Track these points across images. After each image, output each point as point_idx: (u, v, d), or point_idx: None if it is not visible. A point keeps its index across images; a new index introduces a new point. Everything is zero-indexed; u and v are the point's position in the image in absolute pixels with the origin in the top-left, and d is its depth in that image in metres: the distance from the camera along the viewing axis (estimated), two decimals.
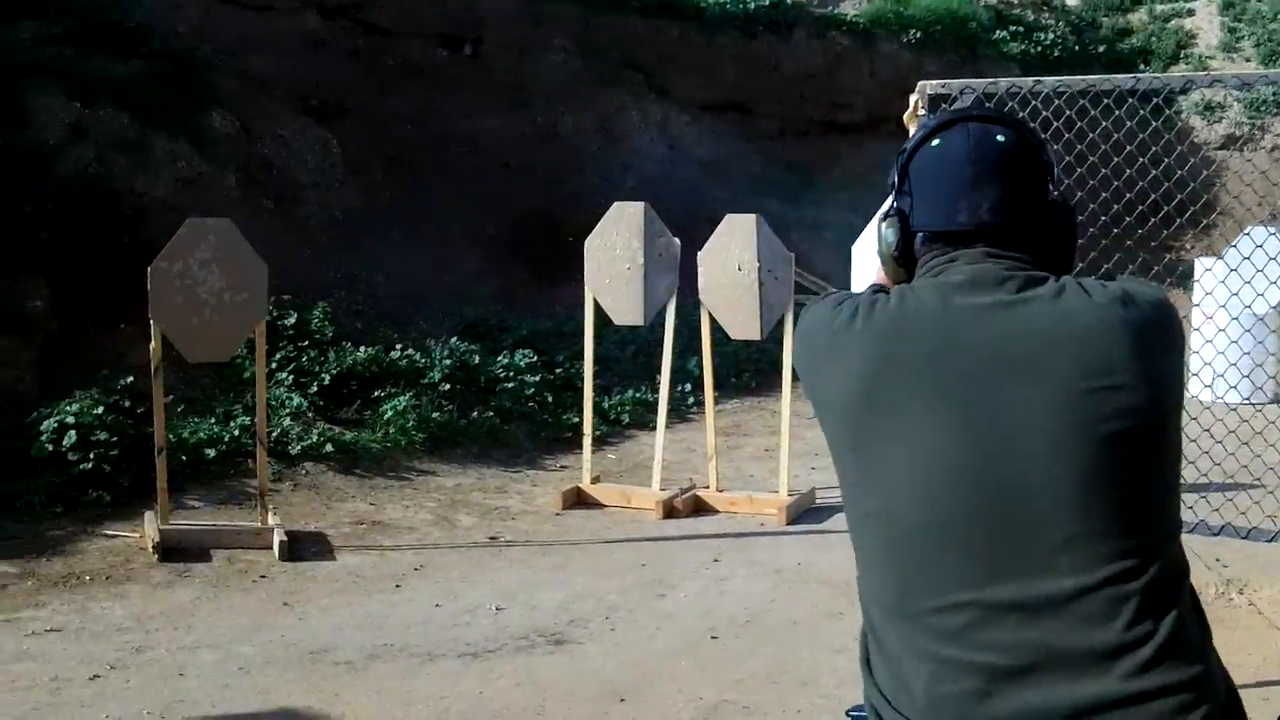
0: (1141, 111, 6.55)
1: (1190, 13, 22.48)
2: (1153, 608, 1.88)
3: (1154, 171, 5.95)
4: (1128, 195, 6.19)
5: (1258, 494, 6.47)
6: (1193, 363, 12.07)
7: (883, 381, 2.01)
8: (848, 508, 2.08)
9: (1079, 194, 5.60)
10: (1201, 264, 12.71)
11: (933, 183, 2.16)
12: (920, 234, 2.19)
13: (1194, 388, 12.18)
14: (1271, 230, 11.14)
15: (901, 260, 2.22)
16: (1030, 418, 1.94)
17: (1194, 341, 11.22)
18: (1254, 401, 9.07)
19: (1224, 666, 1.97)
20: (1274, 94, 20.11)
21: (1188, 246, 17.15)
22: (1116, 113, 5.64)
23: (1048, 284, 2.05)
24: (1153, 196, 6.16)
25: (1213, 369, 6.18)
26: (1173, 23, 22.52)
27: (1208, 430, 5.90)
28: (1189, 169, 14.35)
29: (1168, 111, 19.24)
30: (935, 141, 2.18)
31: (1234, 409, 6.76)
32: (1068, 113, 5.56)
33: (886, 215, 2.24)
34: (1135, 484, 1.93)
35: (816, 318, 2.17)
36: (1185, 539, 2.12)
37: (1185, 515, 5.79)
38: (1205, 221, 14.27)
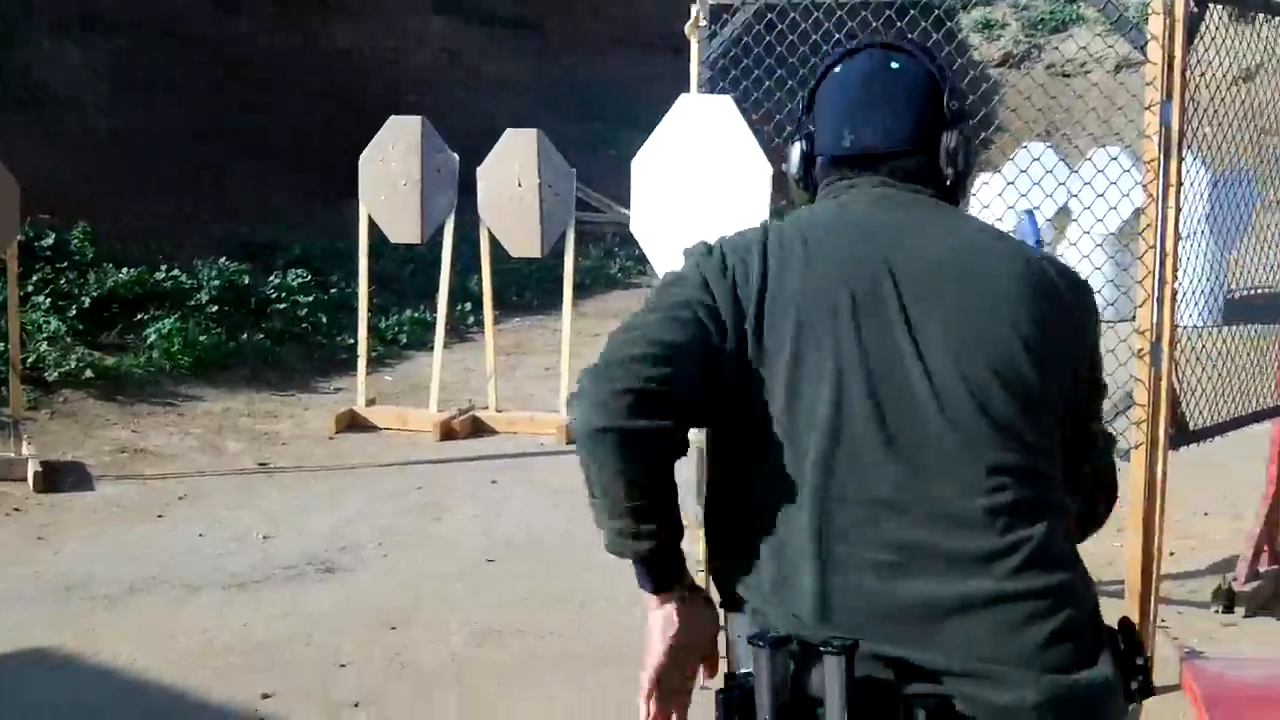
0: (923, 24, 6.51)
1: None
2: (1025, 519, 2.01)
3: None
4: None
5: None
6: None
7: (781, 307, 2.06)
8: (745, 422, 2.08)
9: None
10: (980, 179, 12.93)
11: (830, 108, 2.24)
12: (821, 158, 2.26)
13: None
14: (1048, 144, 11.42)
15: (804, 184, 2.30)
16: (928, 337, 2.04)
17: None
18: None
19: (1089, 579, 2.10)
20: (1051, 12, 20.61)
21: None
22: (899, 24, 5.60)
23: (944, 214, 2.19)
24: None
25: None
26: None
27: None
28: (969, 84, 14.50)
29: (948, 24, 19.56)
30: (838, 69, 2.25)
31: None
32: (850, 24, 5.49)
33: (791, 138, 2.32)
34: (1021, 406, 2.04)
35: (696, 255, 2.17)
36: None
37: None
38: (984, 136, 14.51)
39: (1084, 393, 2.19)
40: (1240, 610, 5.50)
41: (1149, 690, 2.09)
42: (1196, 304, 5.24)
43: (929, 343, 2.04)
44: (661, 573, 2.09)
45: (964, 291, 2.08)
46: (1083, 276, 2.21)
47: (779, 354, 2.05)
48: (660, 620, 2.09)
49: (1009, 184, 5.92)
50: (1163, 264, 4.54)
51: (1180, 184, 4.50)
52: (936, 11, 6.13)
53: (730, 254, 2.12)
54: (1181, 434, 4.80)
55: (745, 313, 2.07)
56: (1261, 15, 5.51)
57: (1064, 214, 12.05)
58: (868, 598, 1.99)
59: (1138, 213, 4.80)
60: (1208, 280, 12.44)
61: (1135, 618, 4.69)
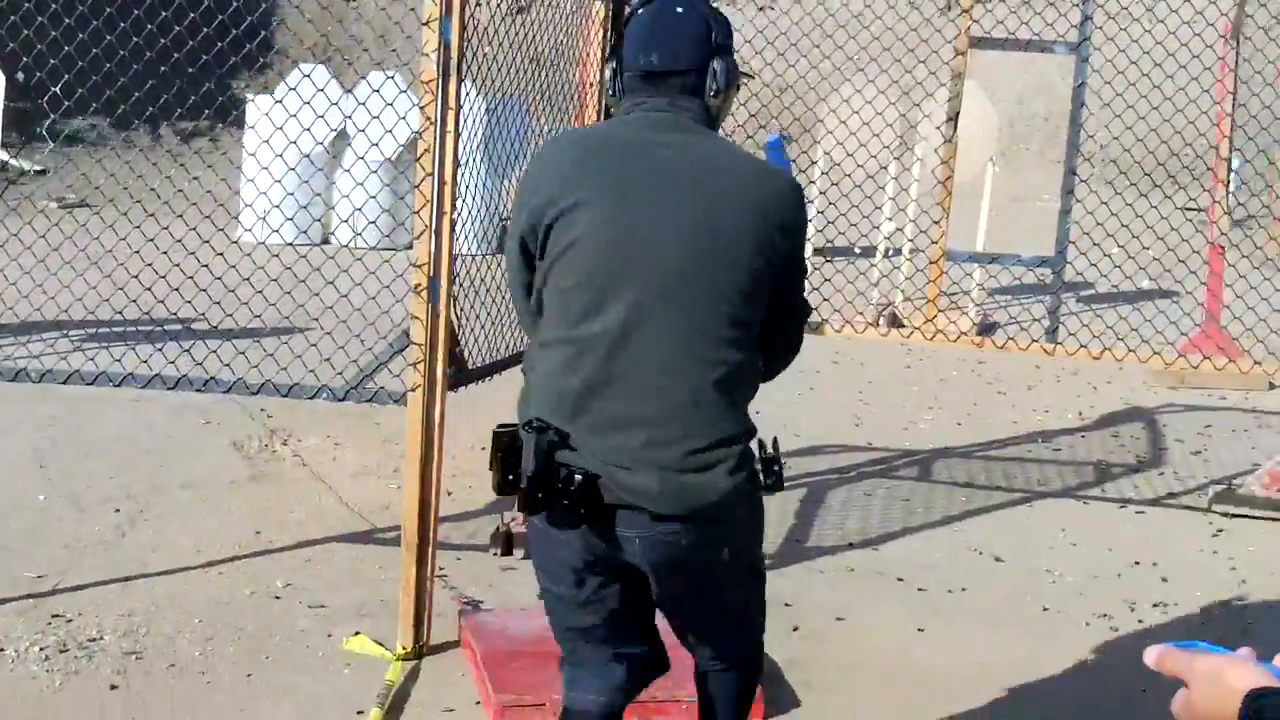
0: None
1: None
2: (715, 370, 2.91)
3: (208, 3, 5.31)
4: (178, 29, 5.49)
5: (302, 344, 6.07)
6: (242, 202, 11.71)
7: (571, 184, 2.92)
8: (543, 269, 2.98)
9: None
10: (257, 106, 12.27)
11: (633, 38, 3.06)
12: (629, 74, 3.05)
13: (245, 225, 11.96)
14: (326, 70, 10.98)
15: (615, 93, 3.10)
16: (658, 222, 2.89)
17: (244, 187, 10.86)
18: (300, 244, 8.94)
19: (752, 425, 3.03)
20: None
21: (243, 85, 16.72)
22: None
23: (690, 133, 3.00)
24: (205, 31, 5.51)
25: (255, 211, 5.71)
26: None
27: (262, 270, 5.43)
28: (245, 3, 13.82)
29: None
30: (640, 12, 3.09)
31: (278, 253, 6.33)
32: None
33: (607, 60, 3.27)
34: (717, 289, 2.89)
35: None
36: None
37: (224, 373, 5.34)
38: (263, 61, 13.88)
39: (774, 269, 2.98)
40: (519, 552, 5.35)
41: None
42: (474, 232, 5.01)
43: (654, 225, 2.90)
44: None
45: (683, 187, 2.93)
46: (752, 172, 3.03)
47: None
48: None
49: (277, 102, 5.42)
50: (440, 193, 4.22)
51: (459, 107, 4.20)
52: None
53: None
54: (461, 373, 4.53)
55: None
56: None
57: (341, 139, 11.69)
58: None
59: (415, 139, 4.45)
60: (485, 208, 12.60)
61: (413, 570, 4.40)
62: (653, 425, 2.85)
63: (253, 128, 11.44)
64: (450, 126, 4.17)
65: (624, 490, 2.84)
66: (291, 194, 7.70)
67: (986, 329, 9.83)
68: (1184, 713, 1.44)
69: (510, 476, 2.94)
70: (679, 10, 3.04)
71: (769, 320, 2.99)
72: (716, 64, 3.01)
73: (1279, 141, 8.65)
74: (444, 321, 4.29)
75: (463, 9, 4.15)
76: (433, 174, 4.19)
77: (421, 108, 4.16)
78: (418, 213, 4.22)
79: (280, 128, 5.75)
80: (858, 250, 9.07)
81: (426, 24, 4.11)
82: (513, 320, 5.13)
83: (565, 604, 3.09)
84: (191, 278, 5.40)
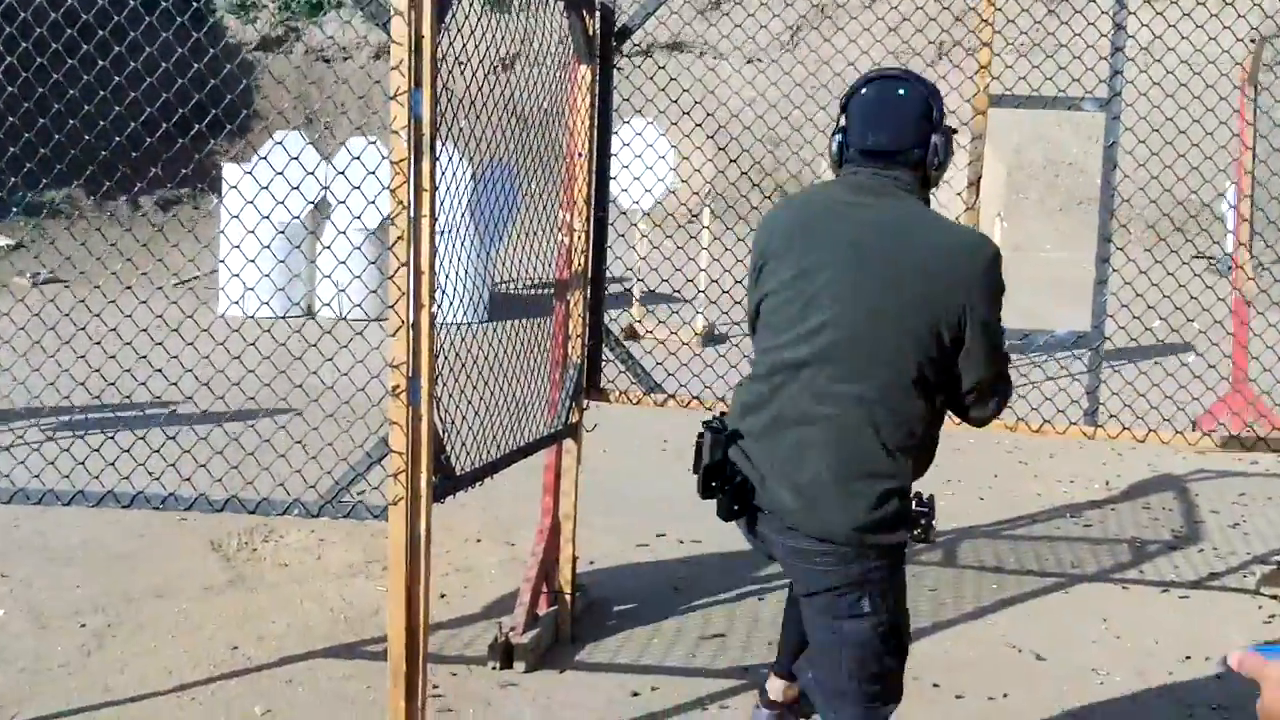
0: (165, 3, 5.45)
1: None
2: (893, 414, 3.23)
3: (181, 81, 4.94)
4: (165, 96, 5.11)
5: (284, 440, 5.61)
6: (222, 277, 11.25)
7: (778, 238, 3.36)
8: (756, 301, 3.43)
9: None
10: (232, 171, 11.87)
11: (859, 117, 3.34)
12: (851, 149, 3.35)
13: (222, 303, 11.48)
14: (305, 140, 10.59)
15: (839, 164, 3.40)
16: (843, 271, 3.22)
17: (225, 259, 10.41)
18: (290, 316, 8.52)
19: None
20: None
21: (221, 151, 16.31)
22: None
23: (896, 199, 3.28)
24: (190, 102, 5.13)
25: (243, 282, 5.27)
26: None
27: (253, 346, 4.98)
28: (224, 72, 13.40)
29: (197, 5, 18.31)
30: (863, 90, 3.36)
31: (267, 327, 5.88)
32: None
33: (832, 134, 3.43)
34: (892, 341, 3.19)
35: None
36: None
37: (200, 474, 4.85)
38: (232, 127, 13.44)
39: (956, 329, 3.21)
40: (520, 665, 4.91)
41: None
42: (461, 301, 4.60)
43: (858, 278, 3.23)
44: None
45: (880, 249, 3.23)
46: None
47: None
48: None
49: (246, 173, 5.02)
50: (418, 284, 3.80)
51: (435, 188, 3.79)
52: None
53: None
54: (449, 481, 4.09)
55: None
56: (516, 3, 4.93)
57: (322, 209, 11.29)
58: None
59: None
60: (472, 277, 12.19)
61: (401, 703, 3.95)
62: (812, 448, 3.20)
63: (222, 201, 11.04)
64: (425, 210, 3.76)
65: (769, 500, 3.25)
66: (275, 266, 7.27)
67: None
68: (1263, 713, 1.56)
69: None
70: (901, 92, 3.31)
71: (957, 375, 3.27)
72: (937, 139, 3.29)
73: None
74: (426, 425, 3.85)
75: (434, 78, 3.74)
76: (408, 263, 3.77)
77: (392, 190, 3.74)
78: (393, 307, 3.79)
79: (251, 201, 5.34)
80: None
81: (394, 98, 3.70)
82: (507, 411, 4.71)
83: None
84: (177, 357, 4.96)
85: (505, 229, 6.17)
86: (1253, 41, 8.78)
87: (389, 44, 3.74)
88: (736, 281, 5.45)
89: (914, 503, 3.26)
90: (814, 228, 3.30)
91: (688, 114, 5.61)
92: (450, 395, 4.20)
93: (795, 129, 6.64)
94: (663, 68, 5.85)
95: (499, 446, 4.53)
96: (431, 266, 3.80)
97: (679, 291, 9.17)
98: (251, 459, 4.84)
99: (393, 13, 3.71)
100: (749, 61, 17.90)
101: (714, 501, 3.32)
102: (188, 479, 4.51)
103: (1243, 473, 7.95)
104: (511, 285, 10.60)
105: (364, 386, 5.20)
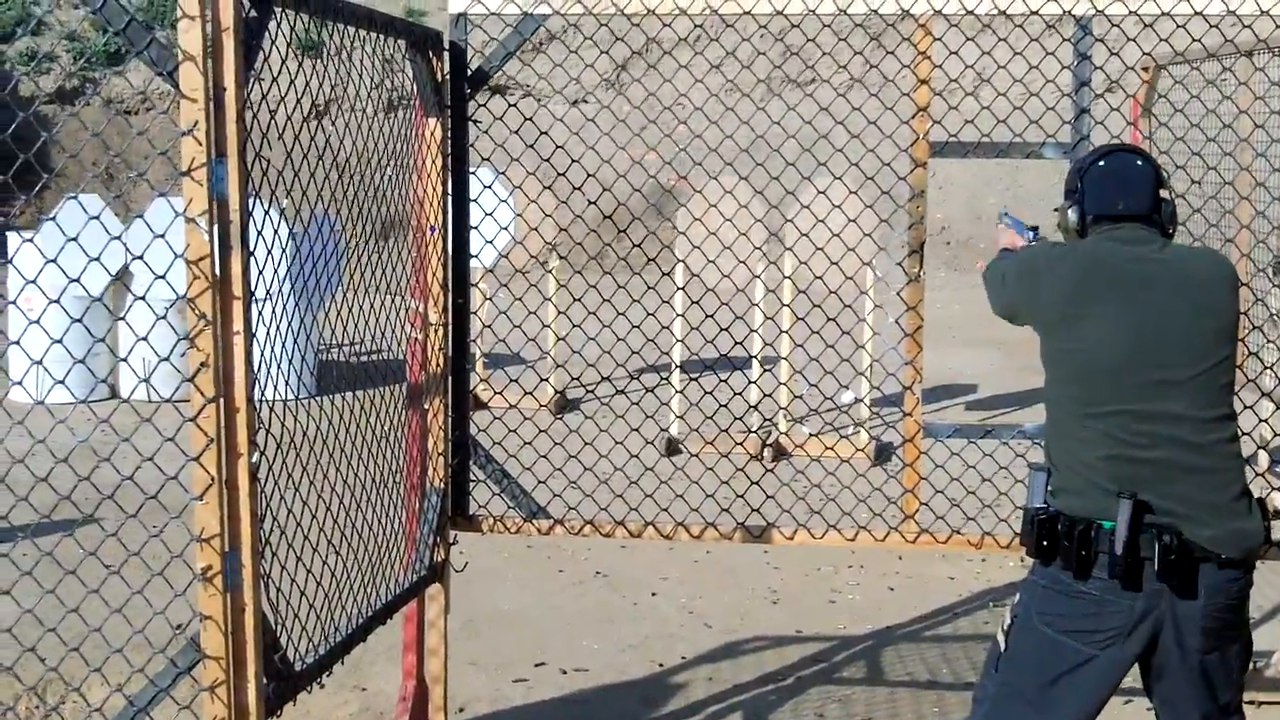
0: None
1: None
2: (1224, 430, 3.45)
3: None
4: None
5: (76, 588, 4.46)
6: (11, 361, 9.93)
7: (1085, 286, 3.45)
8: (1053, 356, 3.51)
9: None
10: (19, 236, 10.56)
11: (1101, 187, 3.59)
12: (1090, 216, 3.59)
13: (16, 392, 10.16)
14: (101, 203, 9.41)
15: (1080, 232, 3.62)
16: (1170, 316, 3.40)
17: (16, 333, 9.13)
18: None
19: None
20: (104, 44, 18.39)
21: (17, 214, 14.87)
22: None
23: (1172, 246, 3.56)
24: None
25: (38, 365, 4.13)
26: None
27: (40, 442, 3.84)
28: (17, 127, 12.07)
29: None
30: (1102, 163, 3.60)
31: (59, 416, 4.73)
32: None
33: (1063, 206, 3.66)
34: (1220, 366, 3.43)
35: (1036, 252, 3.71)
36: None
37: None
38: (38, 184, 12.13)
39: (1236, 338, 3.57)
40: None
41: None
42: (285, 373, 3.58)
43: (1168, 319, 3.44)
44: None
45: (1186, 288, 3.46)
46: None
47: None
48: None
49: (26, 240, 3.93)
50: (230, 426, 2.78)
51: (250, 294, 2.79)
52: None
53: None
54: (286, 684, 3.06)
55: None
56: (332, 45, 3.92)
57: (125, 278, 10.06)
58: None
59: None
60: (297, 347, 10.99)
61: None
62: (1200, 473, 3.33)
63: (11, 262, 9.78)
64: (237, 326, 2.75)
65: (1200, 541, 3.28)
66: (73, 343, 6.12)
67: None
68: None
69: (1083, 553, 3.27)
70: (1139, 163, 3.61)
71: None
72: (1169, 206, 3.59)
73: None
74: (252, 617, 2.83)
75: (243, 151, 2.74)
76: (216, 399, 2.76)
77: (191, 301, 2.72)
78: (199, 459, 2.77)
79: (40, 272, 4.22)
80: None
81: (188, 173, 2.69)
82: (354, 559, 3.69)
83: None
84: None
85: (330, 288, 5.14)
86: (1145, 69, 8.19)
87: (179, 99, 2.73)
88: (590, 338, 4.59)
89: None
90: (1126, 278, 3.49)
91: (517, 160, 4.57)
92: (278, 559, 3.17)
93: (620, 174, 5.75)
94: (498, 117, 4.86)
95: (347, 613, 3.51)
96: (249, 402, 2.79)
97: (519, 354, 8.14)
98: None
99: (181, 56, 2.71)
100: (573, 104, 17.05)
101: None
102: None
103: None
104: (338, 352, 9.48)
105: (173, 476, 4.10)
